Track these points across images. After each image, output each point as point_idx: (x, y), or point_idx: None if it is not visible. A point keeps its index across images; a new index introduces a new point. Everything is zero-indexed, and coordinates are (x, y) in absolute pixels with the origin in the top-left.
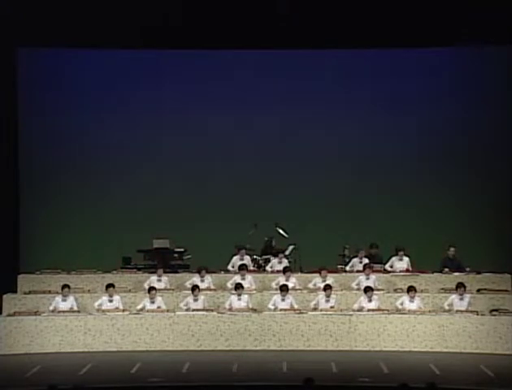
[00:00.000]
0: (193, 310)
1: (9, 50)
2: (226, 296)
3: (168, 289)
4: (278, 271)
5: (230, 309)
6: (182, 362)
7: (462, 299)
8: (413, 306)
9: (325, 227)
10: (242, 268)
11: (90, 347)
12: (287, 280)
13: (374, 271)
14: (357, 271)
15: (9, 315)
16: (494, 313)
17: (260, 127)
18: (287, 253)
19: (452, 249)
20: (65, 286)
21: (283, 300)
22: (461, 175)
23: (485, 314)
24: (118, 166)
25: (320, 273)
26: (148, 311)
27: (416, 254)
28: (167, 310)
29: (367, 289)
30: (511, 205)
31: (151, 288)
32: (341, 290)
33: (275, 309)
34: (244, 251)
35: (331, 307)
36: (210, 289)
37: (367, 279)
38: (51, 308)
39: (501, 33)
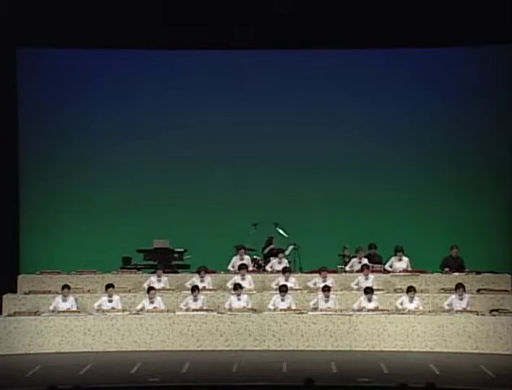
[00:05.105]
0: (193, 310)
1: (9, 50)
2: (226, 296)
3: (168, 289)
4: (278, 271)
5: (230, 310)
6: (182, 362)
7: (461, 299)
8: (412, 306)
9: (325, 227)
10: (242, 268)
11: (90, 347)
12: (286, 280)
13: (374, 271)
14: (357, 271)
15: (9, 315)
16: (494, 313)
17: (260, 126)
18: (287, 253)
19: (455, 249)
20: (65, 286)
21: (282, 300)
22: (461, 175)
23: (485, 314)
24: (118, 166)
25: (320, 273)
26: (148, 311)
27: (416, 254)
28: (167, 310)
29: (368, 290)
30: (511, 205)
31: (150, 288)
32: (341, 290)
33: (275, 310)
34: (243, 251)
35: (329, 308)
36: (210, 289)
37: (366, 279)
38: (51, 308)
39: (501, 33)
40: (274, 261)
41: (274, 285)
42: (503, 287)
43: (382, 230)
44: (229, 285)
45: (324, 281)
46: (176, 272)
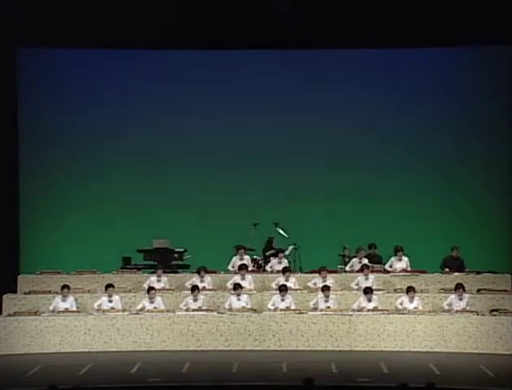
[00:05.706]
0: (193, 310)
1: (9, 50)
2: (226, 296)
3: (168, 289)
4: (278, 271)
5: (230, 310)
6: (182, 362)
7: (460, 299)
8: (412, 306)
9: (325, 227)
10: (242, 268)
11: (90, 347)
12: (286, 280)
13: (374, 271)
14: (357, 271)
15: (9, 315)
16: (494, 313)
17: (260, 126)
18: (287, 253)
19: (455, 251)
20: (65, 286)
21: (282, 300)
22: (461, 175)
23: (485, 314)
24: (118, 167)
25: (320, 273)
26: (148, 311)
27: (416, 254)
28: (167, 310)
29: (367, 290)
30: (511, 205)
31: (150, 288)
32: (341, 290)
33: (275, 310)
34: (243, 251)
35: (328, 308)
36: (210, 289)
37: (366, 279)
38: (51, 308)
39: (501, 33)
40: (274, 261)
41: (274, 285)
42: (503, 287)
43: (382, 230)
44: (229, 285)
45: (324, 281)
46: (176, 272)
